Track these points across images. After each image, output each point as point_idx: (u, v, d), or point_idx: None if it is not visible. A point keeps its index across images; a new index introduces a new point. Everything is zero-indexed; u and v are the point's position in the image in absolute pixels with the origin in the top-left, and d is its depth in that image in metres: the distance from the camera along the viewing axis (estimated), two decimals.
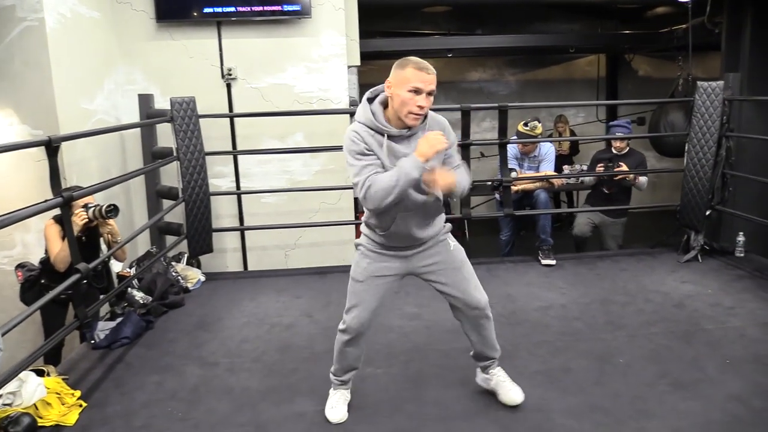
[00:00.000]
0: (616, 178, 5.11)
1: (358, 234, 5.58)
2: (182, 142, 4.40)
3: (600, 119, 9.69)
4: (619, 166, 5.07)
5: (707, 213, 4.66)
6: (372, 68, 8.62)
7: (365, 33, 5.78)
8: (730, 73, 4.85)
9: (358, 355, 2.60)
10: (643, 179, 5.21)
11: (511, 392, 2.64)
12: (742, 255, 4.66)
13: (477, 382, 2.78)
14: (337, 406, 2.62)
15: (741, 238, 4.69)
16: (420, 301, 4.00)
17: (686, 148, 4.75)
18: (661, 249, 5.03)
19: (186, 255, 4.69)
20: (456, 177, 2.27)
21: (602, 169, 5.15)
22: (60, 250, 3.33)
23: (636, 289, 4.10)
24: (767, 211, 5.70)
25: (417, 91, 2.15)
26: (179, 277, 4.37)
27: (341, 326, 2.52)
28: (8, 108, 3.93)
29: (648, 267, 4.57)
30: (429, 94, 2.18)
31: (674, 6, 6.63)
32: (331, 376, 2.67)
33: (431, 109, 2.31)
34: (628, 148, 5.26)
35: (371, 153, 2.23)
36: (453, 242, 2.54)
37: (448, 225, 2.56)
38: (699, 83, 4.63)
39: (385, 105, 2.29)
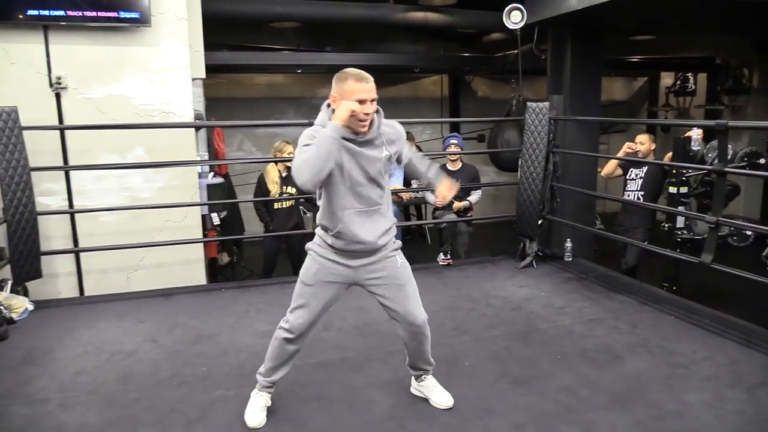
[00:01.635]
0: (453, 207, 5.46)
1: (211, 252, 5.40)
2: (3, 156, 3.96)
3: (444, 136, 10.23)
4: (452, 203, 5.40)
5: (539, 222, 5.08)
6: (220, 81, 8.42)
7: (212, 45, 5.63)
8: (555, 95, 5.35)
9: (293, 354, 2.63)
10: (474, 197, 5.57)
11: (443, 396, 2.78)
12: (570, 259, 5.13)
13: (411, 391, 2.89)
14: (258, 411, 2.63)
15: (569, 244, 5.16)
16: (272, 317, 3.90)
17: (519, 163, 5.16)
18: (501, 256, 5.39)
19: (10, 282, 4.20)
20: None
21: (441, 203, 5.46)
22: None
23: (479, 295, 4.35)
24: (589, 218, 6.40)
25: (361, 102, 2.32)
26: (2, 307, 3.90)
27: (284, 324, 2.57)
28: None
29: (490, 274, 4.88)
30: (372, 100, 2.36)
31: (508, 33, 7.20)
32: (258, 377, 2.67)
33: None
34: (461, 164, 5.60)
35: None
36: (401, 259, 2.64)
37: (398, 242, 2.66)
38: (529, 104, 5.06)
39: None
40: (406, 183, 6.58)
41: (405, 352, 2.79)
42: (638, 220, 5.09)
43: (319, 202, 2.52)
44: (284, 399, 2.83)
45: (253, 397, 2.68)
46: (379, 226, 2.52)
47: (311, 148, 2.28)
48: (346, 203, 2.44)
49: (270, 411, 2.70)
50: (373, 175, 2.46)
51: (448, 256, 5.17)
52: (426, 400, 2.79)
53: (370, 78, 2.36)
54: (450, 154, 5.51)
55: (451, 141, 5.57)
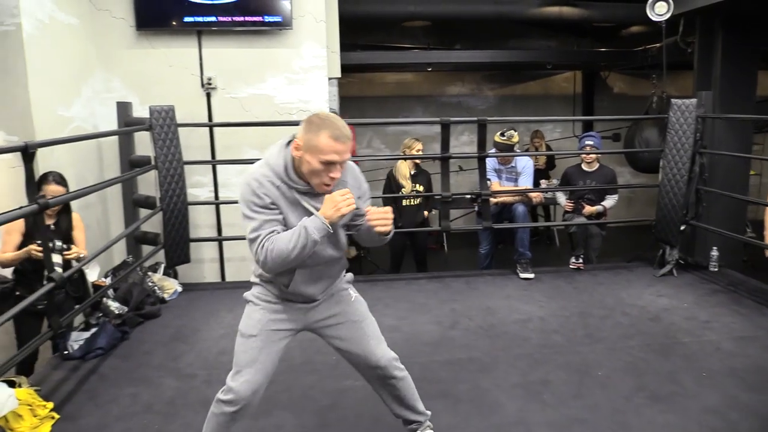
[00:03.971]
0: (584, 212, 5.18)
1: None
2: (161, 150, 4.35)
3: (576, 135, 9.83)
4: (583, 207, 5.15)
5: (682, 228, 4.74)
6: (352, 81, 8.67)
7: (345, 45, 5.81)
8: (703, 91, 4.96)
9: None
10: (609, 201, 5.26)
11: None
12: (716, 269, 4.75)
13: None
14: None
15: (715, 253, 4.78)
16: (399, 313, 3.99)
17: (661, 164, 4.84)
18: (637, 263, 5.10)
19: (163, 265, 4.62)
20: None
21: (571, 206, 5.21)
22: (8, 258, 3.35)
23: (613, 302, 4.15)
24: (739, 226, 5.86)
25: (330, 163, 1.91)
26: (156, 288, 4.30)
27: (224, 396, 2.06)
28: None
29: (625, 281, 4.63)
30: (342, 163, 1.94)
31: (648, 25, 6.78)
32: None
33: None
34: (597, 165, 5.31)
35: (274, 207, 1.96)
36: (354, 293, 2.27)
37: (350, 275, 2.30)
38: (673, 101, 4.73)
39: None
40: (535, 183, 6.41)
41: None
42: None
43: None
44: None
45: None
46: (332, 277, 2.18)
47: (292, 241, 1.90)
48: (291, 271, 2.04)
49: None
50: (331, 238, 2.04)
51: (580, 260, 4.97)
52: None
53: (349, 135, 1.93)
54: (585, 154, 5.26)
55: (587, 142, 5.29)
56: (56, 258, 3.26)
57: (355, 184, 2.10)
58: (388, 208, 1.99)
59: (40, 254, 3.22)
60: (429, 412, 2.40)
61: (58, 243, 3.33)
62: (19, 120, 3.87)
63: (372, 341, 2.21)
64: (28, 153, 2.71)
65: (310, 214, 1.97)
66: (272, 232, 1.94)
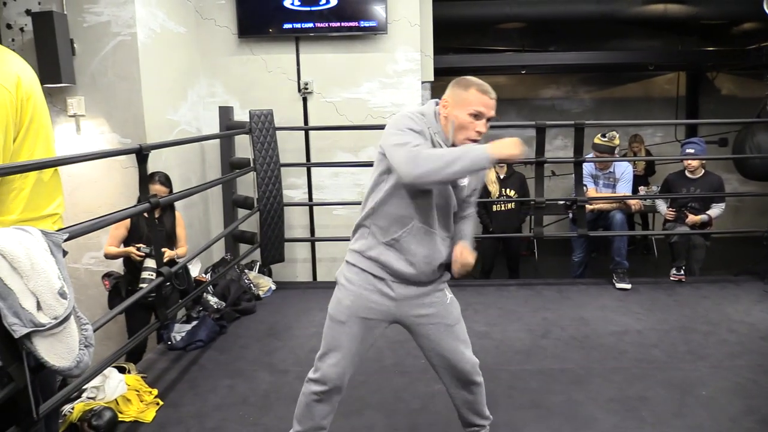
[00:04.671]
0: (687, 221, 4.86)
1: None
2: (259, 153, 4.53)
3: (678, 139, 9.32)
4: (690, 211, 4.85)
5: None
6: (444, 84, 8.60)
7: (439, 49, 5.80)
8: None
9: (328, 413, 2.16)
10: (716, 210, 4.91)
11: None
12: None
13: None
14: None
15: None
16: (489, 319, 3.94)
17: None
18: (745, 277, 4.78)
19: (258, 263, 4.80)
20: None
21: (673, 214, 4.92)
22: (112, 252, 3.66)
23: (719, 318, 3.90)
24: None
25: (478, 116, 1.95)
26: (251, 285, 4.48)
27: (313, 375, 2.13)
28: (100, 117, 4.17)
29: (732, 295, 4.34)
30: (488, 119, 1.98)
31: (763, 22, 6.33)
32: None
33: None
34: (703, 171, 4.98)
35: (424, 136, 1.95)
36: (450, 294, 2.20)
37: (447, 274, 2.18)
38: None
39: None
40: (634, 190, 6.14)
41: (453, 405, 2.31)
42: None
43: (368, 207, 2.04)
44: (501, 402, 2.83)
45: None
46: (438, 254, 2.07)
47: (453, 153, 1.84)
48: (412, 213, 2.00)
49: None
50: (451, 200, 2.04)
51: (682, 272, 4.70)
52: None
53: (495, 94, 1.98)
54: (688, 161, 4.95)
55: (688, 150, 4.96)
56: (149, 263, 3.47)
57: (476, 176, 2.12)
58: (471, 262, 2.04)
59: (139, 258, 3.45)
60: (491, 417, 2.35)
61: (144, 248, 3.55)
62: (132, 123, 4.15)
63: (461, 346, 2.18)
64: (142, 155, 2.90)
65: None
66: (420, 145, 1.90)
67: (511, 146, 1.84)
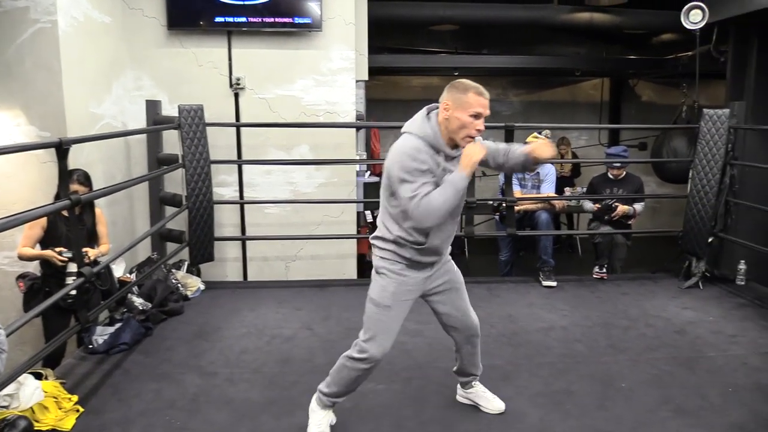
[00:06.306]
0: (613, 215, 5.10)
1: (362, 248, 5.58)
2: (188, 149, 4.40)
3: (602, 143, 9.73)
4: (614, 209, 5.07)
5: (709, 240, 4.66)
6: (378, 83, 8.67)
7: (373, 48, 5.81)
8: (735, 101, 4.88)
9: (366, 379, 2.54)
10: (638, 206, 5.20)
11: (494, 401, 2.76)
12: (743, 283, 4.66)
13: (457, 399, 2.86)
14: (324, 427, 2.54)
15: (742, 266, 4.69)
16: (421, 318, 3.97)
17: (690, 174, 4.77)
18: (662, 274, 5.02)
19: (186, 263, 4.67)
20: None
21: (598, 208, 5.14)
22: (26, 254, 3.41)
23: (638, 313, 4.09)
24: None
25: (478, 116, 2.23)
26: (179, 285, 4.35)
27: (360, 355, 2.41)
28: (17, 109, 3.93)
29: (649, 292, 4.57)
30: (484, 117, 2.27)
31: (681, 33, 6.70)
32: (323, 397, 2.53)
33: None
34: (624, 173, 5.26)
35: (430, 173, 2.25)
36: (453, 263, 2.62)
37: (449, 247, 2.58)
38: (705, 111, 4.65)
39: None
40: (559, 191, 6.36)
41: (455, 357, 2.75)
42: None
43: (391, 213, 2.37)
44: (433, 399, 2.87)
45: (320, 412, 2.55)
46: (452, 234, 2.50)
47: (445, 195, 2.20)
48: (436, 225, 2.32)
49: (419, 411, 2.74)
50: (463, 199, 2.39)
51: (604, 270, 4.91)
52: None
53: (488, 94, 2.28)
54: (612, 165, 5.20)
55: (615, 164, 5.21)
56: (72, 267, 3.27)
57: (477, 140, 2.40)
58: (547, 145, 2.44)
59: (61, 263, 3.26)
60: (482, 368, 2.79)
61: (66, 252, 3.30)
62: (51, 116, 3.94)
63: (468, 305, 2.62)
64: (62, 149, 2.76)
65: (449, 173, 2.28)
66: (427, 193, 2.21)
67: (474, 153, 2.24)
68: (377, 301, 2.42)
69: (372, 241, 2.48)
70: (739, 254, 4.91)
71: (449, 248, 2.54)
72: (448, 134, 2.28)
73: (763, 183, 5.49)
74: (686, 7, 5.51)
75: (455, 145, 2.31)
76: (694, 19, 5.46)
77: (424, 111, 2.34)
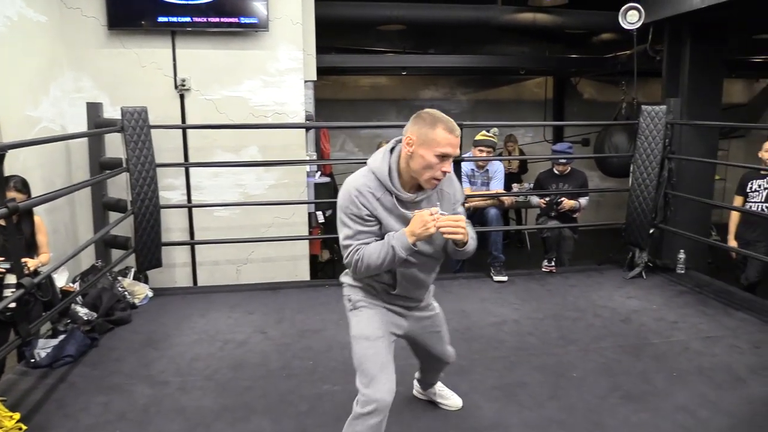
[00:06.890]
0: (559, 208, 5.22)
1: (314, 249, 5.54)
2: (132, 153, 4.28)
3: (547, 139, 9.98)
4: (561, 203, 5.20)
5: (651, 231, 4.84)
6: (326, 83, 8.64)
7: (321, 48, 5.79)
8: (671, 98, 5.08)
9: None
10: (583, 200, 5.36)
11: (452, 398, 2.76)
12: (682, 272, 4.86)
13: (414, 394, 2.86)
14: None
15: (682, 256, 4.88)
16: None
17: (631, 168, 4.94)
18: (607, 266, 5.19)
19: (133, 269, 4.53)
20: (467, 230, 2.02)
21: (544, 204, 5.27)
22: None
23: (585, 304, 4.21)
24: (704, 229, 6.01)
25: (444, 156, 1.94)
26: (126, 293, 4.22)
27: (366, 408, 2.01)
28: None
29: (596, 283, 4.71)
30: (453, 157, 2.00)
31: (619, 33, 6.92)
32: None
33: None
34: (569, 169, 5.41)
35: (370, 219, 2.01)
36: (437, 305, 2.45)
37: (432, 286, 2.39)
38: (643, 107, 4.82)
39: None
40: (507, 187, 6.47)
41: (419, 366, 2.68)
42: (762, 233, 4.71)
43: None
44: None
45: None
46: (430, 276, 2.26)
47: (380, 256, 1.96)
48: (399, 277, 2.13)
49: None
50: (433, 249, 2.13)
51: (552, 264, 5.03)
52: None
53: (459, 131, 1.98)
54: (558, 162, 5.34)
55: (561, 161, 5.35)
56: (11, 279, 3.14)
57: (450, 190, 2.15)
58: (459, 217, 1.98)
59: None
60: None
61: (4, 263, 3.15)
62: None
63: (446, 345, 2.49)
64: None
65: (405, 223, 2.00)
66: (363, 243, 2.01)
67: (426, 226, 1.91)
68: (366, 335, 2.12)
69: (341, 279, 2.31)
70: (679, 244, 5.13)
71: (430, 292, 2.37)
72: (410, 173, 2.00)
73: (699, 176, 5.76)
74: (623, 8, 5.71)
75: (419, 186, 2.04)
76: (631, 19, 5.66)
77: (391, 142, 2.07)
